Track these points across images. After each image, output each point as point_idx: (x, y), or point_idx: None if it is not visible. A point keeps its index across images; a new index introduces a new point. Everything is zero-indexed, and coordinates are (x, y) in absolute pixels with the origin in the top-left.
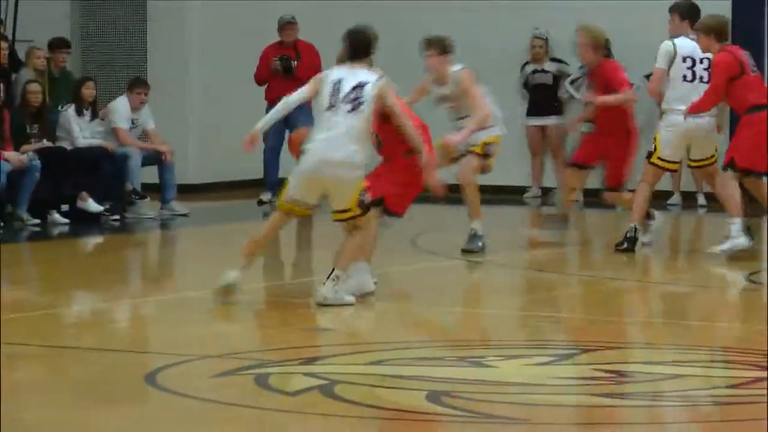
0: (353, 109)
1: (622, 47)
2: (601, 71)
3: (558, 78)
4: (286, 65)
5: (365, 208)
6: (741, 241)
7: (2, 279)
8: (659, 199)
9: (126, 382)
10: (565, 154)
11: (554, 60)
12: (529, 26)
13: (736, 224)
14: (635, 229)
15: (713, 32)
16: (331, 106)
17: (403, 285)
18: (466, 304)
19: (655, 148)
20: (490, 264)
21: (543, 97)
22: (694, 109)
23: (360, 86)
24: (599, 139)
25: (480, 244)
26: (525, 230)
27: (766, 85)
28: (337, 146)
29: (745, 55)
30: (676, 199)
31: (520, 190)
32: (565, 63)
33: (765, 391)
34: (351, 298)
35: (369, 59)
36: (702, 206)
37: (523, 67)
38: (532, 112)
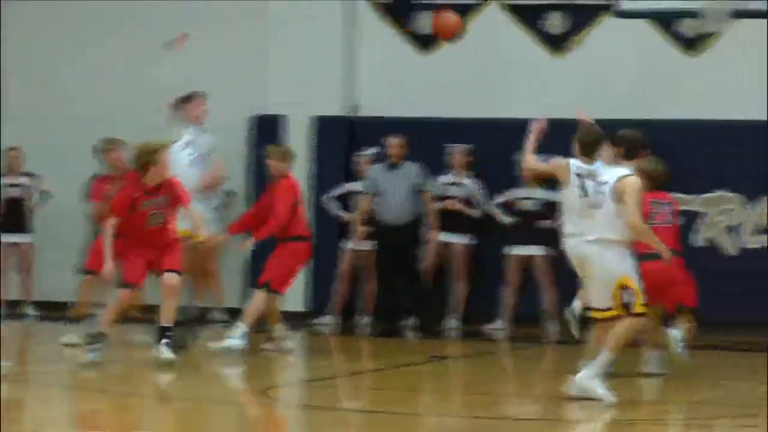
0: None
1: None
2: None
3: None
4: None
5: None
6: (239, 342)
7: None
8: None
9: None
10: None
11: (26, 174)
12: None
13: (241, 328)
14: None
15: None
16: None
17: None
18: None
19: None
20: None
21: (15, 211)
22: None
23: None
24: None
25: None
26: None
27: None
28: None
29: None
30: None
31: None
32: (37, 176)
33: None
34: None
35: None
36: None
37: None
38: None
